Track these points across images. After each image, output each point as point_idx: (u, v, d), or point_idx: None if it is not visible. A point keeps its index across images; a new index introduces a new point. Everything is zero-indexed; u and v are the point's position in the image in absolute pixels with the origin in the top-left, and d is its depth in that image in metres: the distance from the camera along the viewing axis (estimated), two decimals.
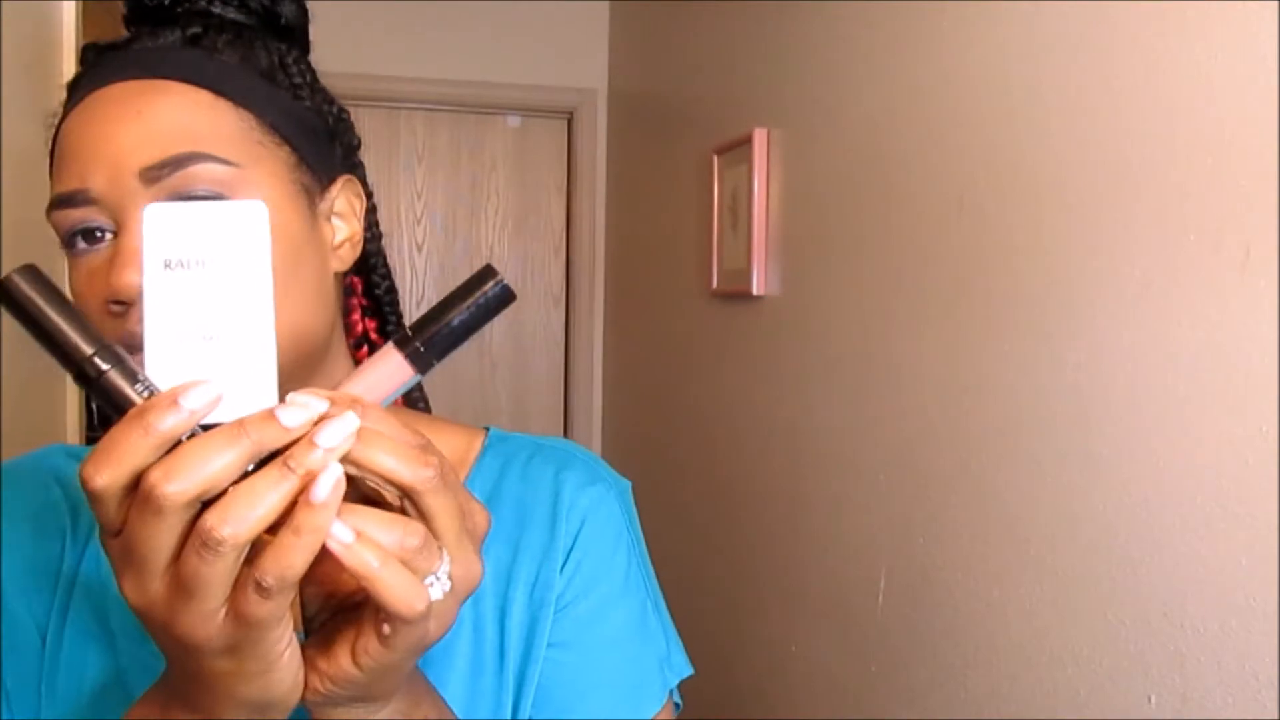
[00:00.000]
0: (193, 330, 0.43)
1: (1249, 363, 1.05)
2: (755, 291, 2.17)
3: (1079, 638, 1.28)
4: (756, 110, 2.23)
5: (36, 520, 0.66)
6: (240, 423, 0.40)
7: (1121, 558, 1.21)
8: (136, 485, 0.39)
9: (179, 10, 0.65)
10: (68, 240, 0.59)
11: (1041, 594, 1.35)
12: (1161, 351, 1.16)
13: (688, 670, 0.73)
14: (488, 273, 0.49)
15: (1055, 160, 1.33)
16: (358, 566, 0.40)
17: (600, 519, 0.70)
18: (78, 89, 0.63)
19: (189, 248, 0.43)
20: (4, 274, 0.43)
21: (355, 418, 0.41)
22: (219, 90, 0.61)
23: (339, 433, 0.40)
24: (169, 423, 0.39)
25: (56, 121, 0.63)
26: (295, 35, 0.70)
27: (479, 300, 0.48)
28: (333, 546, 0.40)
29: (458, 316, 0.48)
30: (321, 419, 0.41)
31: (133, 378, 0.42)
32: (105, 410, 0.41)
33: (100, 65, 0.62)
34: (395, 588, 0.41)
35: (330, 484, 0.39)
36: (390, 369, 0.48)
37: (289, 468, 0.39)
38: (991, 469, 1.45)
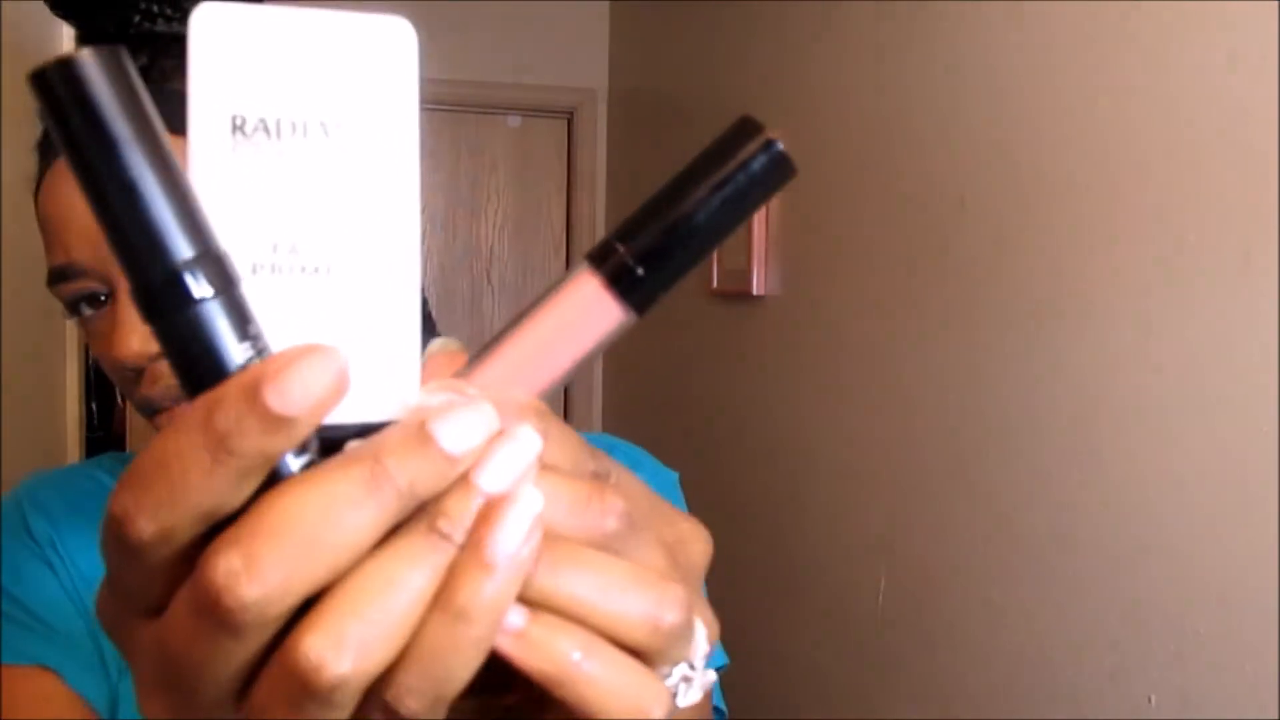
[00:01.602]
0: (282, 252, 0.25)
1: (1249, 363, 1.05)
2: (755, 291, 2.17)
3: (1079, 638, 1.28)
4: (756, 110, 2.22)
5: (102, 508, 0.67)
6: (375, 453, 0.22)
7: (1121, 558, 1.21)
8: (198, 544, 0.23)
9: (126, 35, 0.61)
10: (72, 308, 0.58)
11: (1041, 594, 1.35)
12: (1162, 351, 1.16)
13: (722, 660, 0.73)
14: (747, 128, 0.27)
15: (1056, 161, 1.33)
16: (547, 668, 0.24)
17: None
18: (44, 154, 0.61)
19: (279, 96, 0.24)
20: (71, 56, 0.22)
21: (535, 436, 0.24)
22: (176, 128, 0.58)
23: (513, 466, 0.23)
24: (254, 440, 0.21)
25: (34, 185, 0.61)
26: None
27: (736, 173, 0.27)
28: (502, 644, 0.24)
29: (701, 204, 0.27)
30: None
31: (241, 322, 0.23)
32: (177, 365, 0.23)
33: None
34: (616, 694, 0.24)
35: (521, 532, 0.23)
36: (580, 306, 0.27)
37: (442, 533, 0.23)
38: (992, 469, 1.45)
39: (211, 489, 0.22)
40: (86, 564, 0.64)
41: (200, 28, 0.24)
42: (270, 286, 0.25)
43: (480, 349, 0.27)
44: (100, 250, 0.56)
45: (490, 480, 0.23)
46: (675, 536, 0.29)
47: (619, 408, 3.35)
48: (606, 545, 0.25)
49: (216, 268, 0.22)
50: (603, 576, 0.24)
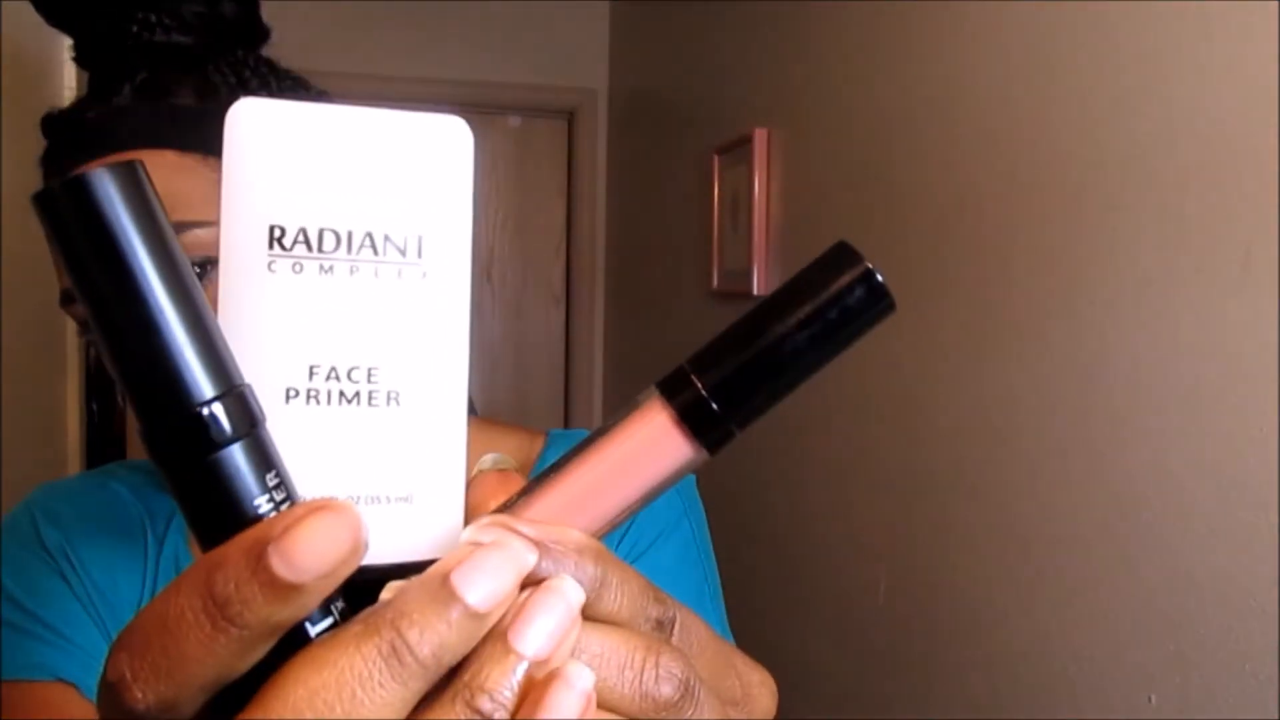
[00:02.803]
0: (319, 378, 0.22)
1: (1249, 363, 1.05)
2: (755, 291, 2.17)
3: (1079, 638, 1.28)
4: (756, 110, 2.23)
5: (115, 517, 0.67)
6: (395, 620, 0.20)
7: (1121, 558, 1.21)
8: (209, 709, 0.21)
9: (124, 46, 0.59)
10: (86, 327, 0.58)
11: (1041, 594, 1.35)
12: (1162, 351, 1.16)
13: None
14: (844, 257, 0.24)
15: (1056, 160, 1.33)
16: None
17: (656, 502, 0.71)
18: (48, 169, 0.59)
19: (322, 204, 0.22)
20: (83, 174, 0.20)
21: (576, 590, 0.22)
22: (182, 146, 0.55)
23: (557, 626, 0.21)
24: (258, 610, 0.19)
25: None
26: (243, 33, 0.63)
27: (829, 306, 0.24)
28: None
29: (788, 337, 0.24)
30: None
31: (262, 470, 0.21)
32: (188, 514, 0.21)
33: (61, 147, 0.58)
34: None
35: (572, 715, 0.20)
36: (648, 440, 0.25)
37: (482, 713, 0.20)
38: (992, 469, 1.45)
39: (213, 659, 0.19)
40: (100, 575, 0.64)
41: (237, 126, 0.21)
42: (304, 415, 0.22)
43: (538, 478, 0.25)
44: None
45: (531, 645, 0.20)
46: (742, 691, 0.27)
47: (619, 406, 3.35)
48: (658, 713, 0.23)
49: (238, 407, 0.20)
50: None
